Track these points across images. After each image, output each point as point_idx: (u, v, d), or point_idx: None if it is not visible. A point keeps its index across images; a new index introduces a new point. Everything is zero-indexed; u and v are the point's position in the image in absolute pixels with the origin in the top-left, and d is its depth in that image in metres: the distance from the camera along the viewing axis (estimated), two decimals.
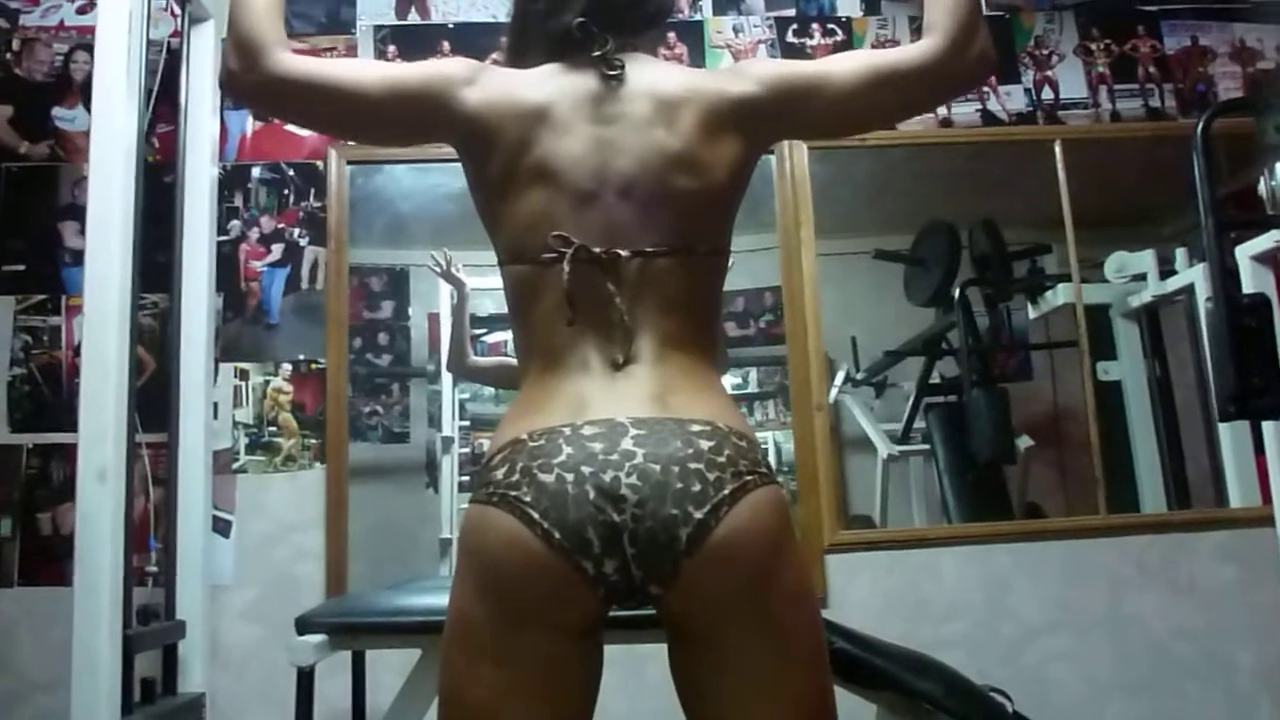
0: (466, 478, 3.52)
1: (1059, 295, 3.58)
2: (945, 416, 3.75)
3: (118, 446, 2.37)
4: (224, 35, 1.28)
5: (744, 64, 1.40)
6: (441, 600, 1.21)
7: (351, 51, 3.32)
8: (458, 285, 2.95)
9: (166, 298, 2.97)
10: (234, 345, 3.13)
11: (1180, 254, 3.52)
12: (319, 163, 3.21)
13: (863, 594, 3.07)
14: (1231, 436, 3.23)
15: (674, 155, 1.25)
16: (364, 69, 1.34)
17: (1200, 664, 3.07)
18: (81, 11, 3.26)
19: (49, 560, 2.95)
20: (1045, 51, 3.47)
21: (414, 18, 3.37)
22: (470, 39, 3.30)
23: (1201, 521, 3.23)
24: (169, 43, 3.06)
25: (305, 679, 1.98)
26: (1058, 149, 3.39)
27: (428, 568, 3.38)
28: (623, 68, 1.29)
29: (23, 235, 3.13)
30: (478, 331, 3.30)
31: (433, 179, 3.39)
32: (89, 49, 3.16)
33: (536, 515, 1.10)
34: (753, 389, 3.79)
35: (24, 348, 3.07)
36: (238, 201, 3.20)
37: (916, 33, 1.34)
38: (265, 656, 2.90)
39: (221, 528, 2.99)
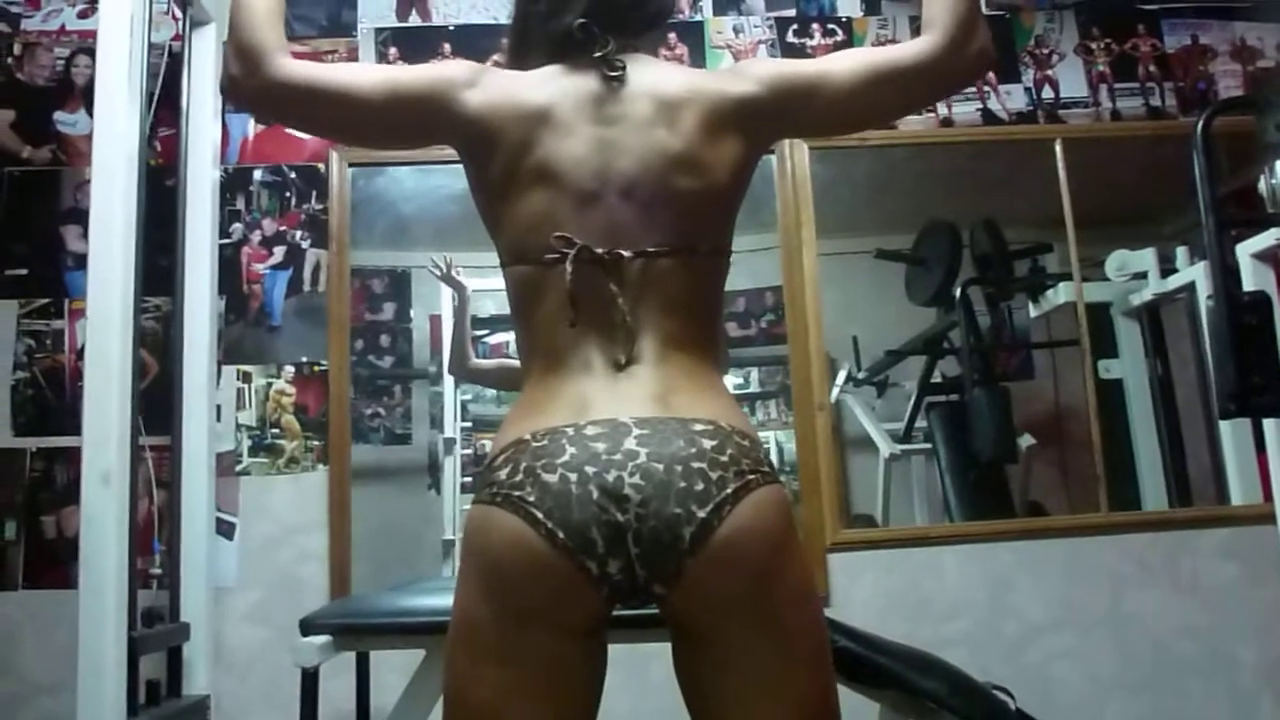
0: (469, 479, 3.53)
1: (1060, 294, 3.58)
2: (947, 415, 3.75)
3: (121, 450, 2.37)
4: (225, 39, 1.29)
5: (744, 64, 1.41)
6: (445, 601, 1.22)
7: (353, 53, 3.32)
8: (458, 288, 2.95)
9: (169, 301, 2.98)
10: (236, 348, 3.13)
11: (1181, 252, 3.52)
12: (320, 165, 3.22)
13: (865, 593, 3.07)
14: (1233, 434, 3.23)
15: (675, 156, 1.25)
16: (364, 73, 1.34)
17: (1202, 662, 3.08)
18: (83, 16, 3.26)
19: (53, 563, 2.95)
20: (1046, 51, 3.48)
21: (415, 20, 3.37)
22: (471, 41, 3.30)
23: (1203, 519, 3.23)
24: (170, 46, 3.06)
25: (310, 680, 1.99)
26: (1058, 148, 3.39)
27: (430, 569, 3.39)
28: (624, 68, 1.29)
29: (25, 239, 3.14)
30: (479, 333, 3.31)
31: (434, 181, 3.39)
32: (90, 53, 3.16)
33: (540, 515, 1.11)
34: (754, 389, 3.79)
35: (27, 351, 3.07)
36: (239, 204, 3.20)
37: (917, 32, 1.34)
38: (269, 658, 2.91)
39: (225, 530, 3.00)
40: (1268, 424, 2.73)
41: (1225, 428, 3.26)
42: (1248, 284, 2.67)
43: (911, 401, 3.87)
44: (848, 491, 3.62)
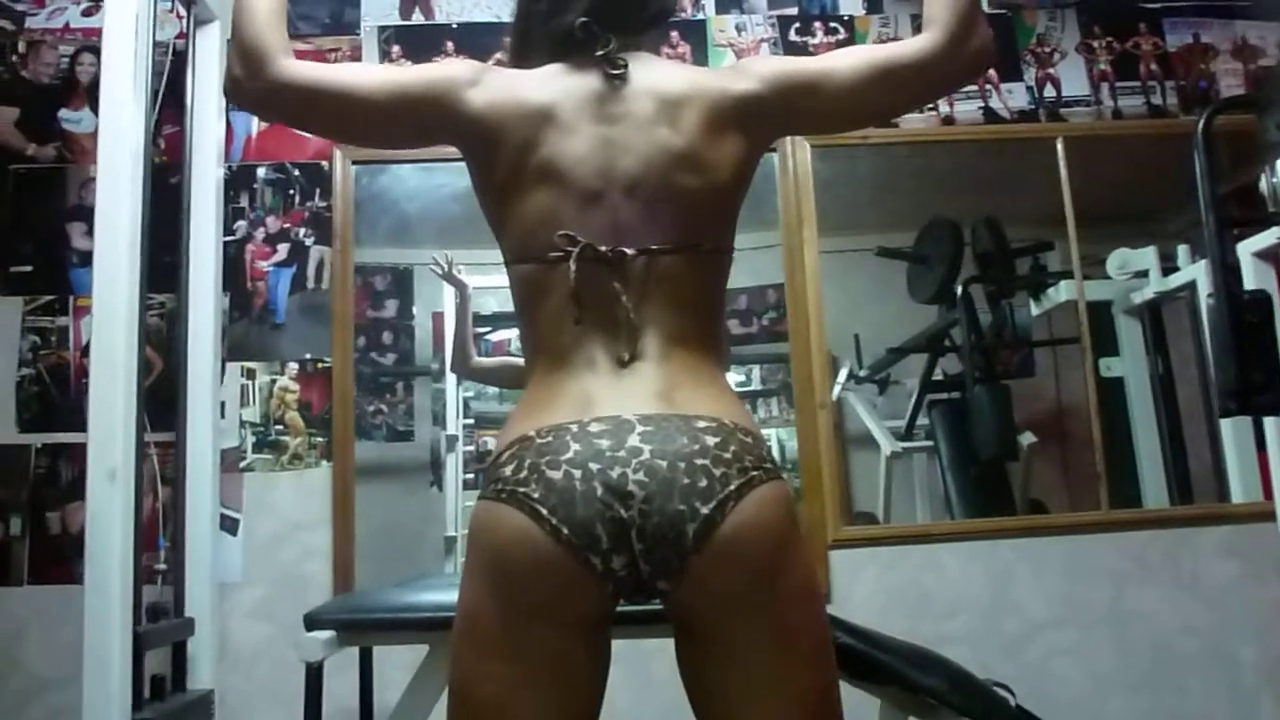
0: (471, 475, 3.54)
1: (1061, 292, 3.59)
2: (948, 413, 3.76)
3: (127, 446, 2.39)
4: (229, 37, 1.30)
5: (746, 62, 1.41)
6: (448, 597, 1.22)
7: (356, 52, 3.33)
8: (459, 286, 2.95)
9: (173, 298, 2.99)
10: (240, 345, 3.14)
11: (1182, 250, 3.52)
12: (324, 163, 3.22)
13: (866, 590, 3.08)
14: (1233, 432, 3.24)
15: (678, 154, 1.26)
16: (367, 74, 1.34)
17: (1202, 659, 3.08)
18: (87, 14, 3.27)
19: (58, 559, 2.96)
20: (1047, 49, 3.48)
21: (418, 18, 3.38)
22: (474, 39, 3.31)
23: (1203, 517, 3.23)
24: (174, 44, 3.06)
25: (314, 675, 1.98)
26: (1060, 146, 3.39)
27: (433, 565, 3.40)
28: (626, 67, 1.30)
29: (30, 237, 3.15)
30: (481, 330, 3.32)
31: (437, 179, 3.40)
32: (94, 51, 3.18)
33: (545, 511, 1.11)
34: (756, 386, 3.79)
35: (32, 348, 3.08)
36: (243, 202, 3.21)
37: (918, 30, 1.35)
38: (273, 654, 2.92)
39: (229, 526, 3.00)
40: (1268, 422, 2.74)
41: (1226, 426, 3.27)
42: (1249, 282, 2.67)
43: (913, 399, 3.88)
44: (849, 489, 3.63)
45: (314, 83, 1.27)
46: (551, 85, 1.30)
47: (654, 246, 1.24)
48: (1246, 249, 2.73)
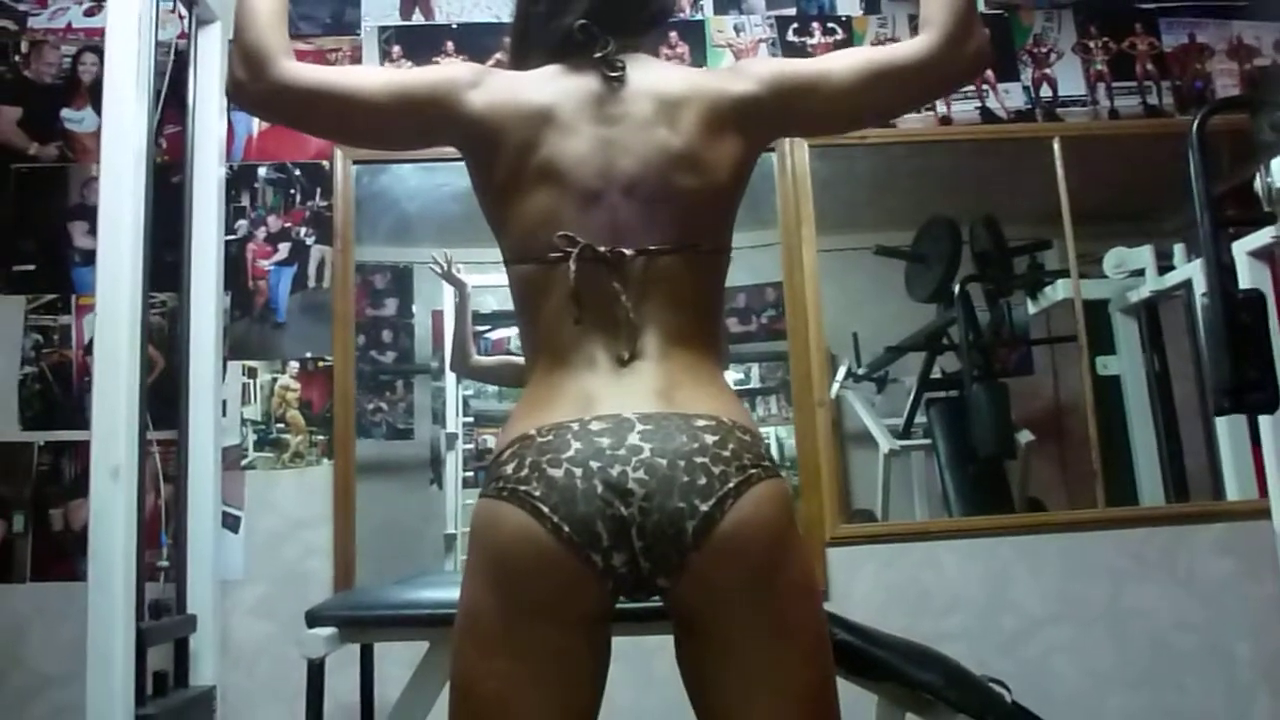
0: (471, 473, 3.54)
1: (1058, 290, 3.59)
2: (946, 411, 3.77)
3: (130, 444, 2.40)
4: (230, 38, 1.31)
5: (744, 63, 1.42)
6: (449, 594, 1.23)
7: (356, 52, 3.34)
8: (458, 285, 2.96)
9: (175, 297, 3.00)
10: (242, 343, 3.15)
11: (1179, 249, 3.54)
12: (325, 163, 3.23)
13: (865, 587, 3.09)
14: (1229, 430, 3.24)
15: (676, 154, 1.27)
16: (368, 76, 1.34)
17: (1199, 656, 3.09)
18: (89, 14, 3.28)
19: (60, 556, 2.98)
20: (1044, 49, 3.49)
21: (418, 18, 3.39)
22: (474, 39, 3.32)
23: (1199, 514, 3.24)
24: (176, 44, 3.07)
25: (316, 671, 1.99)
26: (1056, 146, 3.40)
27: (433, 563, 3.40)
28: (624, 69, 1.31)
29: (33, 235, 3.16)
30: (480, 329, 3.32)
31: (438, 178, 3.41)
32: (96, 51, 3.19)
33: (546, 509, 1.12)
34: (755, 384, 3.80)
35: (35, 347, 3.09)
36: (245, 201, 3.22)
37: (915, 31, 1.36)
38: (275, 651, 2.93)
39: (230, 524, 3.01)
40: (1263, 420, 2.75)
41: (1221, 423, 3.27)
42: (1244, 281, 2.69)
43: (911, 397, 3.88)
44: (848, 486, 3.64)
45: (315, 84, 1.29)
46: (551, 87, 1.31)
47: (653, 247, 1.25)
48: (1242, 248, 2.74)
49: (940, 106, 3.40)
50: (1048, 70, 3.47)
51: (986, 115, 3.44)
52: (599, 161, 1.26)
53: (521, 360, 1.35)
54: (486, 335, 3.58)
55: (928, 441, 3.76)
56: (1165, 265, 3.60)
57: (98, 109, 3.02)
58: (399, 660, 2.40)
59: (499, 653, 1.14)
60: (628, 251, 1.24)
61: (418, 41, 3.35)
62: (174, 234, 2.92)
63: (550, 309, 1.26)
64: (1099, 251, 3.64)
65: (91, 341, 2.91)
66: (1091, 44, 3.51)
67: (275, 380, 3.14)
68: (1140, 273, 3.63)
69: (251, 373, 3.14)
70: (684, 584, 1.14)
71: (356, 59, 3.32)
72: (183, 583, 2.80)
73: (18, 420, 3.06)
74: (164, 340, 3.05)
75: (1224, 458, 3.30)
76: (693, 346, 1.26)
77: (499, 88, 1.31)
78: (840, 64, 1.33)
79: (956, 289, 3.70)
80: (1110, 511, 3.24)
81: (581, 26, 1.33)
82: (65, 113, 3.23)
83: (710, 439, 1.16)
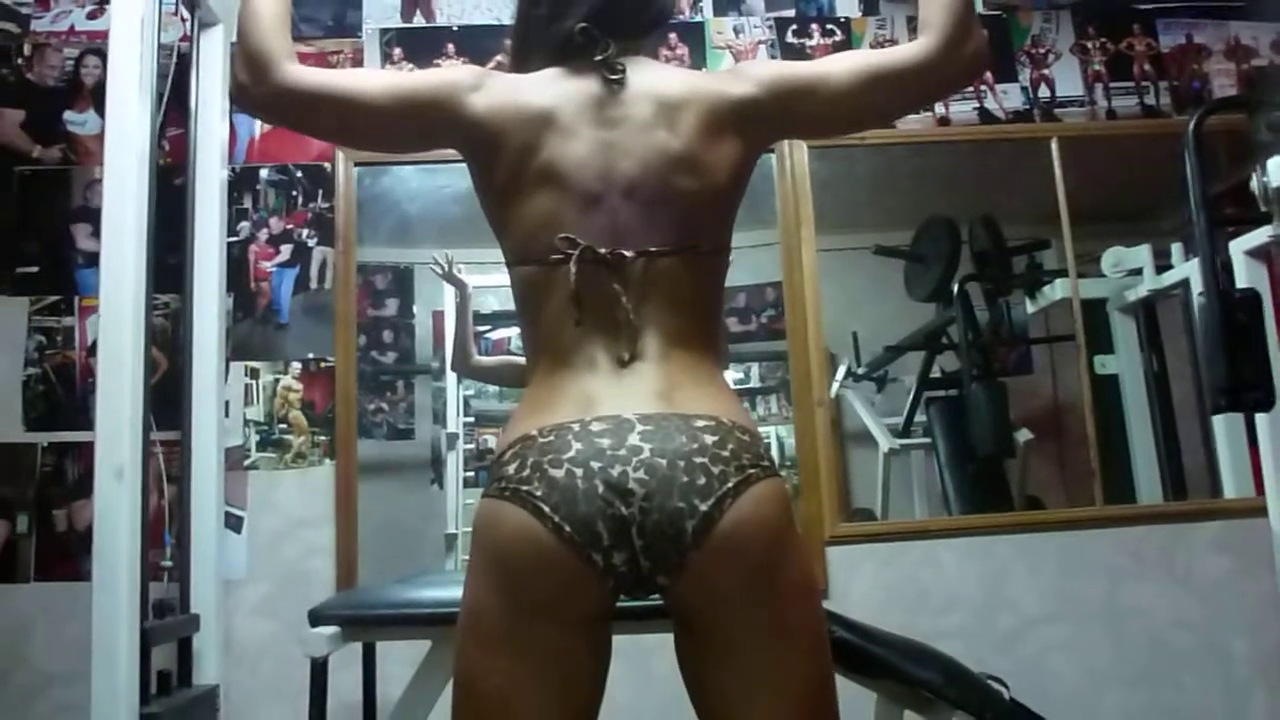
0: (471, 473, 3.54)
1: (1057, 290, 3.59)
2: (945, 410, 3.77)
3: (134, 445, 2.41)
4: (233, 39, 1.32)
5: (743, 65, 1.43)
6: (451, 593, 1.24)
7: (358, 54, 3.34)
8: (459, 286, 2.97)
9: (178, 298, 3.01)
10: (244, 344, 3.16)
11: (1176, 249, 3.54)
12: (327, 165, 3.24)
13: (864, 586, 3.10)
14: (1226, 428, 3.25)
15: (676, 156, 1.28)
16: (371, 79, 1.36)
17: (1196, 653, 3.10)
18: (91, 17, 3.28)
19: (64, 556, 2.99)
20: (1042, 50, 3.50)
21: (419, 20, 3.39)
22: (475, 41, 3.33)
23: (1197, 512, 3.25)
24: (178, 47, 3.08)
25: (319, 670, 2.00)
26: (1054, 146, 3.41)
27: (433, 563, 3.40)
28: (624, 71, 1.32)
29: (36, 237, 3.16)
30: (481, 329, 3.33)
31: (438, 180, 3.41)
32: (99, 53, 3.20)
33: (547, 509, 1.13)
34: (755, 384, 3.80)
35: (38, 348, 3.10)
36: (247, 203, 3.23)
37: (914, 33, 1.37)
38: (277, 650, 2.94)
39: (233, 524, 3.02)
40: (1260, 418, 2.76)
41: (1219, 422, 3.28)
42: (1241, 280, 2.70)
43: (910, 396, 3.89)
44: (847, 485, 3.65)
45: (318, 88, 1.30)
46: (551, 89, 1.32)
47: (653, 248, 1.26)
48: (1239, 247, 2.75)
49: (939, 107, 3.41)
50: (1046, 71, 3.48)
51: (985, 116, 3.45)
52: (599, 164, 1.27)
53: (522, 360, 1.36)
54: (487, 335, 3.59)
55: (927, 440, 3.76)
56: (1163, 264, 3.60)
57: (100, 111, 3.03)
58: (401, 659, 2.41)
59: (501, 651, 1.15)
60: (628, 253, 1.25)
61: (419, 43, 3.36)
62: (177, 236, 2.92)
63: (551, 310, 1.27)
64: (1097, 251, 3.65)
65: (94, 343, 2.92)
66: (1089, 45, 3.52)
67: (277, 381, 3.15)
68: (1138, 272, 3.64)
69: (254, 374, 3.15)
70: (684, 583, 1.15)
71: (358, 61, 3.32)
72: (186, 582, 2.81)
73: (21, 421, 3.07)
74: (167, 341, 3.06)
75: (1221, 456, 3.30)
76: (692, 347, 1.27)
77: (500, 90, 1.32)
78: (839, 67, 1.34)
79: (955, 288, 3.71)
80: (1108, 510, 3.24)
81: (582, 30, 1.34)
82: (68, 115, 3.24)
83: (709, 439, 1.17)
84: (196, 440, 2.89)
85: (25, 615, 2.95)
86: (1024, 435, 3.66)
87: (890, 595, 3.09)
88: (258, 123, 3.26)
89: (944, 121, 3.43)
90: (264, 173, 3.25)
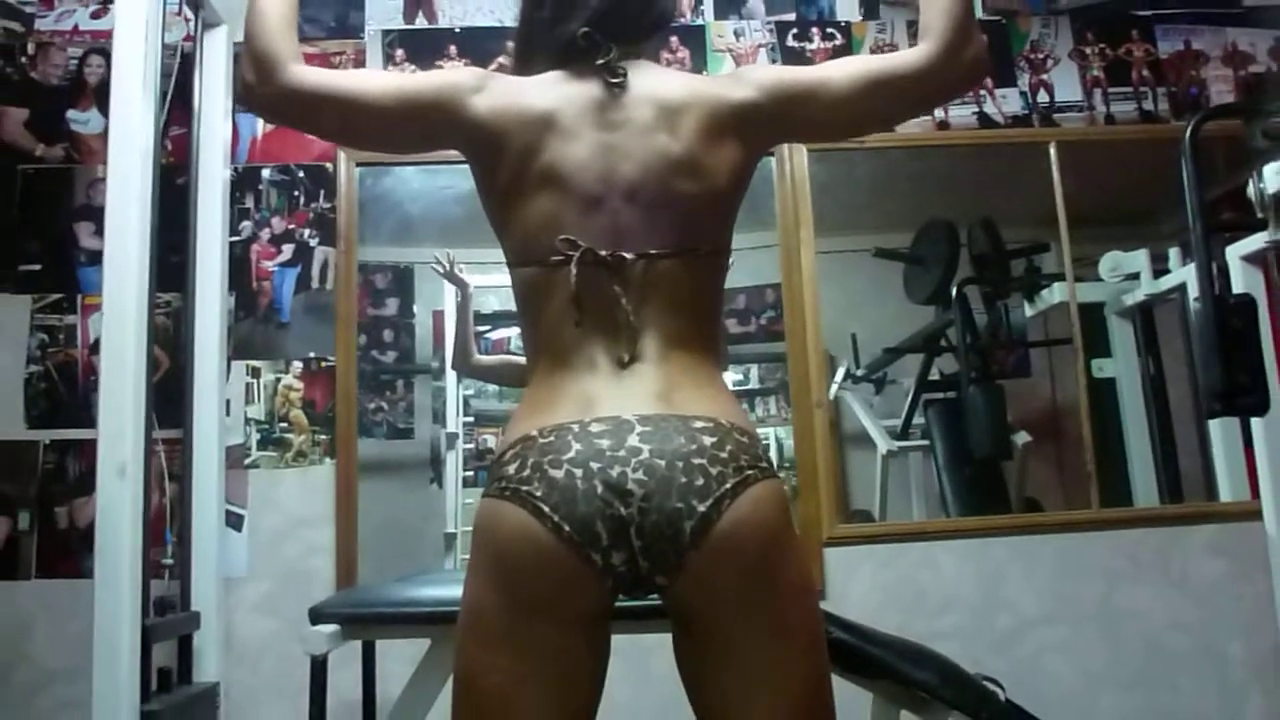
0: (471, 473, 3.54)
1: (1055, 293, 3.59)
2: (944, 412, 3.77)
3: (136, 442, 2.42)
4: (236, 39, 1.34)
5: (744, 70, 1.43)
6: (450, 592, 1.25)
7: (360, 55, 3.35)
8: (460, 285, 2.97)
9: (180, 297, 3.02)
10: (246, 343, 3.17)
11: (1174, 253, 3.54)
12: (328, 165, 3.25)
13: (861, 587, 3.11)
14: (1222, 432, 3.25)
15: (676, 160, 1.29)
16: (375, 81, 1.36)
17: (1192, 656, 3.11)
18: (95, 16, 3.29)
19: (65, 553, 3.00)
20: (1041, 55, 3.51)
21: (421, 22, 3.40)
22: (477, 43, 3.34)
23: (1193, 515, 3.26)
24: (182, 47, 3.09)
25: (319, 667, 2.01)
26: (1053, 151, 3.42)
27: (433, 562, 3.40)
28: (625, 75, 1.33)
29: (39, 235, 3.17)
30: (481, 329, 3.33)
31: (439, 180, 3.41)
32: (102, 53, 3.22)
33: (547, 509, 1.14)
34: (754, 385, 3.80)
35: (40, 346, 3.11)
36: (249, 203, 3.24)
37: (914, 37, 1.37)
38: (278, 648, 2.95)
39: (234, 522, 3.03)
40: (1255, 422, 2.77)
41: (1215, 426, 3.28)
42: (1238, 285, 2.71)
43: (909, 398, 3.89)
44: (846, 487, 3.64)
45: (324, 89, 1.31)
46: (553, 92, 1.33)
47: (653, 251, 1.27)
48: (1235, 252, 2.76)
49: (938, 111, 3.42)
50: (1045, 76, 3.50)
51: (984, 120, 3.46)
52: (600, 166, 1.28)
53: (522, 360, 1.37)
54: (487, 335, 3.59)
55: (925, 442, 3.76)
56: (1160, 269, 3.60)
57: (103, 110, 3.05)
58: (400, 657, 2.42)
59: (501, 648, 1.16)
60: (628, 255, 1.26)
61: (421, 45, 3.37)
62: (179, 235, 2.94)
63: (552, 311, 1.28)
64: (1095, 255, 3.65)
65: (96, 341, 2.95)
66: (1088, 50, 3.53)
67: (279, 380, 3.16)
68: (1135, 276, 3.64)
69: (255, 373, 3.16)
70: (682, 583, 1.16)
71: (360, 62, 3.33)
72: (187, 580, 2.83)
73: (23, 419, 3.08)
74: (169, 340, 3.06)
75: (1217, 459, 3.31)
76: (692, 349, 1.28)
77: (502, 93, 1.33)
78: (840, 72, 1.35)
79: (954, 291, 3.71)
80: (1104, 512, 3.25)
81: (584, 34, 1.35)
82: (71, 114, 3.25)
83: (708, 440, 1.18)
84: (198, 438, 2.90)
85: (27, 612, 2.96)
86: (1022, 438, 3.67)
87: (888, 596, 3.10)
88: (260, 123, 3.27)
89: (943, 125, 3.44)
90: (266, 172, 3.26)
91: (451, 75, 1.36)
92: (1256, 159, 2.43)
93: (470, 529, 1.23)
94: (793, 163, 3.31)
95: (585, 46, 1.35)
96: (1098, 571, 3.15)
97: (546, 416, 1.22)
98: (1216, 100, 3.49)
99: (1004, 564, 3.15)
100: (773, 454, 3.55)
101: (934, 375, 3.89)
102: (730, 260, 1.38)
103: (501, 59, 3.18)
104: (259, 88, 1.31)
